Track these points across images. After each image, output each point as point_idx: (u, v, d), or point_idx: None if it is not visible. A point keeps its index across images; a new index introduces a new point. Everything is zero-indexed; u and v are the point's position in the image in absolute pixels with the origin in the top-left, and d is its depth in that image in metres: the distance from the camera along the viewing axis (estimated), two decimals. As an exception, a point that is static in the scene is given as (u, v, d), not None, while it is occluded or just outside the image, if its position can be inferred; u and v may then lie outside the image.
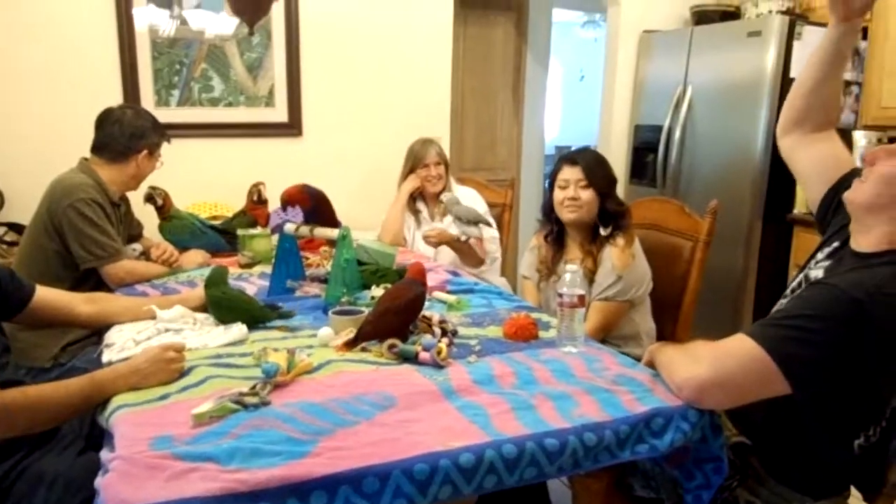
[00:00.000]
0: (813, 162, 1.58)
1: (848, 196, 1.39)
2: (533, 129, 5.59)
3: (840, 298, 1.25)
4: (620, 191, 2.28)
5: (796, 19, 3.18)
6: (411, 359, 1.53)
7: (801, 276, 1.51)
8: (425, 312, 1.76)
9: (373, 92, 3.53)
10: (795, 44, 3.14)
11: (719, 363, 1.31)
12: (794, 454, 1.45)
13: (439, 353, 1.50)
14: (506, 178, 5.02)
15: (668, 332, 2.37)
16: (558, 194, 2.19)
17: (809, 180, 1.60)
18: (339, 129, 3.49)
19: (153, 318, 1.76)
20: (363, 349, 1.60)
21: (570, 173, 2.17)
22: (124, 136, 2.30)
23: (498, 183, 3.54)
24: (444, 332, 1.66)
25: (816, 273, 1.45)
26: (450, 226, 2.95)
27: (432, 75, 3.65)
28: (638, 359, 2.16)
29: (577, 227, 2.21)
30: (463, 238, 2.71)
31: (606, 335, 2.19)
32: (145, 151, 2.34)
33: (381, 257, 2.28)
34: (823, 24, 3.22)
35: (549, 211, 2.28)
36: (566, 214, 2.17)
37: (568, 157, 2.24)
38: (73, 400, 1.37)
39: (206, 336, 1.68)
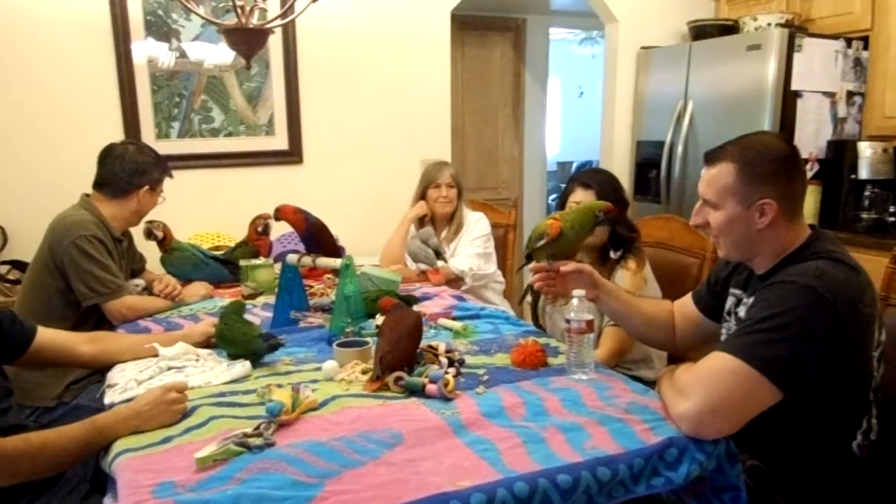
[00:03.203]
0: (692, 327, 1.76)
1: (721, 256, 1.54)
2: (534, 147, 5.60)
3: (795, 289, 1.30)
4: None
5: (796, 31, 3.17)
6: (418, 391, 1.50)
7: (727, 325, 1.61)
8: (431, 342, 1.74)
9: (373, 117, 3.53)
10: (796, 56, 3.12)
11: (705, 390, 1.29)
12: (798, 469, 1.42)
13: (446, 385, 1.47)
14: (508, 196, 5.02)
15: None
16: None
17: (701, 324, 1.74)
18: (340, 154, 3.49)
19: (155, 355, 1.74)
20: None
21: (582, 195, 2.17)
22: (125, 172, 2.30)
23: (501, 202, 3.52)
24: (451, 362, 1.63)
25: (741, 312, 1.53)
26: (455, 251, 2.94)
27: (432, 98, 3.65)
28: (650, 382, 2.13)
29: (587, 250, 2.19)
30: (420, 270, 2.76)
31: (624, 357, 2.16)
32: (147, 187, 2.33)
33: (385, 284, 2.26)
34: (824, 36, 3.23)
35: None
36: None
37: (581, 179, 2.24)
38: (75, 446, 1.34)
39: (209, 373, 1.65)
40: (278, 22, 2.10)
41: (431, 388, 1.48)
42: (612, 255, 2.18)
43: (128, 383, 1.59)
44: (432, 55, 3.60)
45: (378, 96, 3.52)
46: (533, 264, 1.73)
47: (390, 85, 3.53)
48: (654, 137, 3.80)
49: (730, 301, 1.60)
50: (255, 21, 1.86)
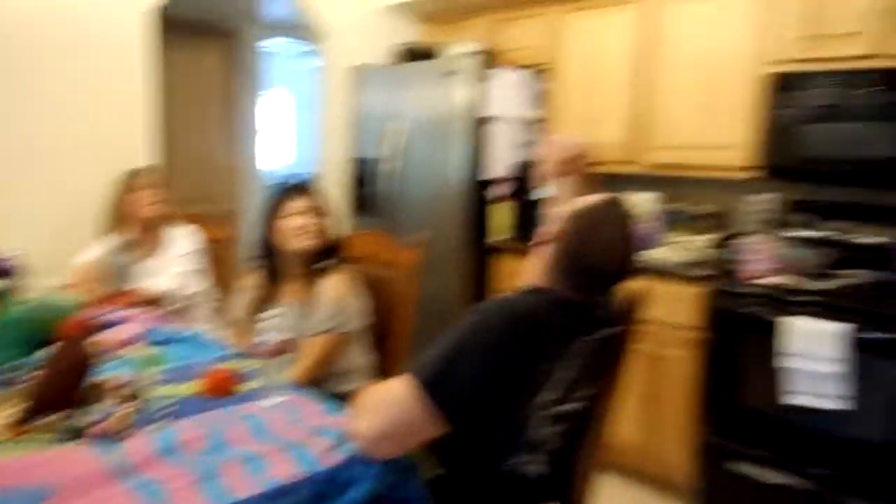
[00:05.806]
0: None
1: None
2: (250, 159, 5.44)
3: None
4: (343, 222, 2.29)
5: (487, 60, 3.47)
6: (81, 435, 1.32)
7: None
8: (108, 375, 1.56)
9: (60, 121, 3.10)
10: (487, 84, 3.42)
11: (381, 413, 1.27)
12: (472, 478, 1.41)
13: (114, 423, 1.32)
14: (227, 208, 4.81)
15: (387, 365, 2.38)
16: (293, 222, 2.11)
17: None
18: (22, 164, 3.02)
19: None
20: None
21: (304, 202, 2.14)
22: None
23: (218, 214, 3.32)
24: (126, 398, 1.47)
25: None
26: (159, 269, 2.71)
27: (128, 104, 3.32)
28: (350, 398, 2.14)
29: (303, 259, 2.15)
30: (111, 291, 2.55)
31: (327, 370, 2.13)
32: None
33: (56, 310, 1.97)
34: (513, 66, 3.56)
35: (267, 244, 2.19)
36: (303, 242, 2.10)
37: (296, 187, 2.20)
38: None
39: None
40: None
41: (97, 429, 1.32)
42: (318, 263, 2.16)
43: None
44: (123, 57, 3.27)
45: (66, 97, 3.11)
46: None
47: (78, 85, 3.14)
48: (370, 154, 3.89)
49: None
50: None
